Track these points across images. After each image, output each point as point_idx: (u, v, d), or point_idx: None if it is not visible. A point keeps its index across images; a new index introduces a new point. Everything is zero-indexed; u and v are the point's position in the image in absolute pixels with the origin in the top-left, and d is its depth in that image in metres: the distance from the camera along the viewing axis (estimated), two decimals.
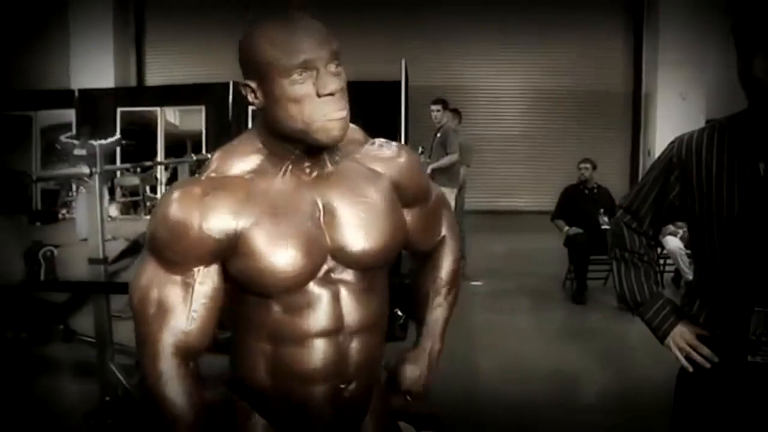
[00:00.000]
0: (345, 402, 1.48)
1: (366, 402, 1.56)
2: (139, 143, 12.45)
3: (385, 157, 1.53)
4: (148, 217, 11.84)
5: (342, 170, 1.45)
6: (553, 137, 12.93)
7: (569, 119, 13.01)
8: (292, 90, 1.31)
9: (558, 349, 5.21)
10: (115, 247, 4.86)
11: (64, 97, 12.42)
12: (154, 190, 12.87)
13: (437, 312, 1.71)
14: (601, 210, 6.69)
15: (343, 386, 1.46)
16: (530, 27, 12.75)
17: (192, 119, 12.98)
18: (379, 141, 1.56)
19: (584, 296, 6.60)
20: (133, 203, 12.79)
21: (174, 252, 1.34)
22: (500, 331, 5.62)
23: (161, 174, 12.70)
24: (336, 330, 1.42)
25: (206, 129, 12.75)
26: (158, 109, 12.81)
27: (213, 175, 1.38)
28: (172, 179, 11.88)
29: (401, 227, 1.52)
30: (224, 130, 12.42)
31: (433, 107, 7.62)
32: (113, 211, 11.63)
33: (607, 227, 6.73)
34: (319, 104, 1.32)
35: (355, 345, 1.45)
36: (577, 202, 6.97)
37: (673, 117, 11.77)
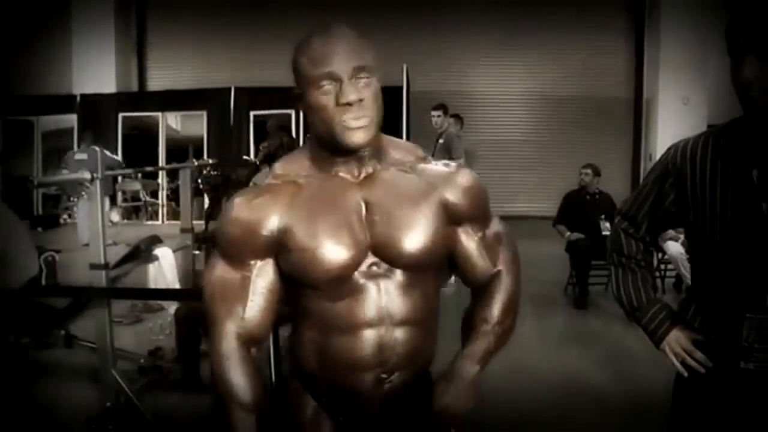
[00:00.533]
0: (389, 391, 1.58)
1: (412, 395, 1.63)
2: (140, 148, 12.48)
3: (443, 173, 1.61)
4: (149, 222, 11.81)
5: (390, 176, 1.56)
6: (555, 142, 12.94)
7: (571, 124, 13.02)
8: (318, 98, 1.45)
9: (560, 354, 5.20)
10: (117, 252, 4.88)
11: (65, 102, 12.45)
12: (155, 195, 12.89)
13: (481, 340, 1.65)
14: (603, 216, 6.68)
15: (385, 375, 1.55)
16: (531, 33, 12.78)
17: (193, 124, 12.99)
18: (444, 161, 1.68)
19: (586, 301, 6.58)
20: (135, 208, 12.81)
21: (233, 249, 1.52)
22: None
23: (162, 179, 12.72)
24: (378, 321, 1.52)
25: (208, 134, 12.77)
26: (160, 114, 12.84)
27: (271, 181, 1.56)
28: (173, 184, 11.91)
29: (441, 235, 1.57)
30: (226, 135, 12.45)
31: (434, 113, 7.62)
32: (115, 216, 11.67)
33: (608, 233, 6.74)
34: (338, 112, 1.44)
35: (398, 337, 1.54)
36: (579, 208, 6.95)
37: (674, 122, 11.77)
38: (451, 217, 1.59)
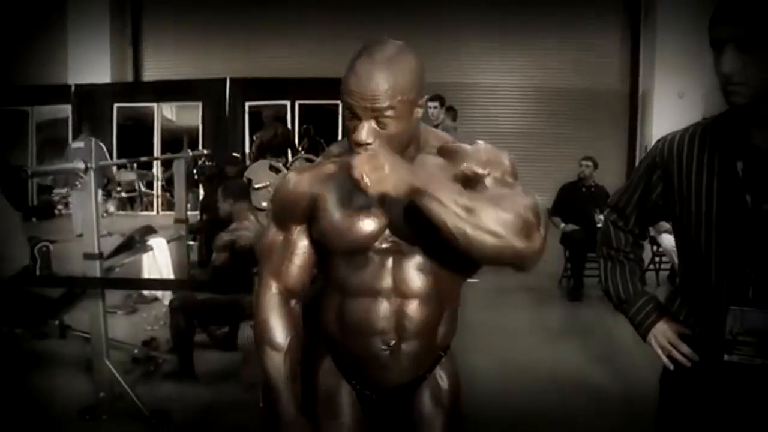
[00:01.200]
0: (399, 359, 1.70)
1: (421, 367, 1.76)
2: (135, 139, 12.44)
3: (463, 153, 1.65)
4: (144, 213, 11.76)
5: (420, 160, 1.64)
6: (550, 136, 12.93)
7: (566, 118, 13.01)
8: (347, 120, 1.56)
9: (554, 346, 5.21)
10: (111, 243, 4.86)
11: (60, 93, 12.39)
12: (150, 186, 12.86)
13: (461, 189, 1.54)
14: (597, 209, 6.69)
15: (393, 342, 1.67)
16: (528, 25, 12.75)
17: (189, 115, 12.96)
18: (472, 142, 1.71)
19: (580, 293, 6.61)
20: (130, 199, 12.78)
21: (281, 214, 1.74)
22: (496, 328, 5.62)
23: (157, 169, 12.70)
24: (390, 291, 1.66)
25: (203, 125, 12.73)
26: (155, 104, 12.78)
27: (321, 159, 1.78)
28: (168, 175, 11.88)
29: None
30: (221, 126, 12.42)
31: (430, 104, 7.60)
32: (110, 207, 11.64)
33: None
34: (353, 143, 1.55)
35: (408, 310, 1.66)
36: (575, 200, 6.96)
37: (670, 115, 11.75)
38: (470, 187, 1.57)
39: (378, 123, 1.52)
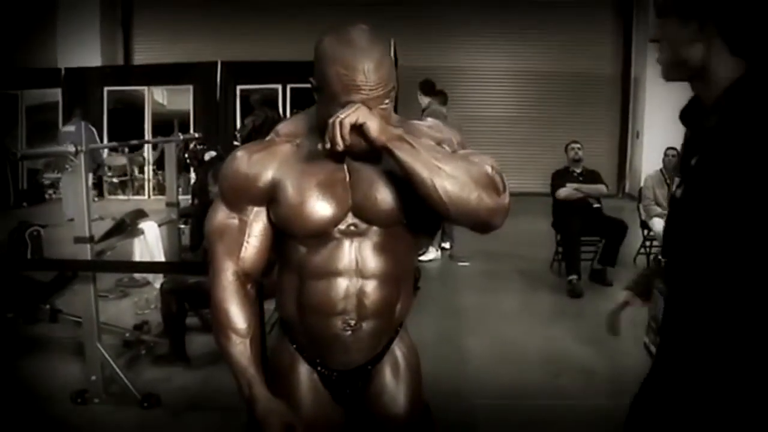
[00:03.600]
0: (357, 339, 1.73)
1: (380, 344, 1.81)
2: (126, 123, 12.38)
3: (415, 131, 1.68)
4: (136, 197, 11.73)
5: None
6: (541, 119, 12.94)
7: (557, 101, 13.01)
8: (333, 110, 1.54)
9: (545, 329, 5.23)
10: (103, 227, 4.84)
11: (50, 76, 12.30)
12: (141, 170, 12.82)
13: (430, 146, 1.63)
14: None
15: (352, 322, 1.70)
16: (519, 8, 12.73)
17: (179, 99, 12.90)
18: (414, 120, 1.79)
19: (578, 288, 6.50)
20: (121, 183, 12.74)
21: (233, 195, 1.69)
22: (488, 311, 5.63)
23: (149, 153, 12.65)
24: (349, 272, 1.68)
25: (194, 109, 12.68)
26: (145, 88, 12.72)
27: (271, 137, 1.73)
28: (159, 159, 11.85)
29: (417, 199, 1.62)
30: (212, 110, 12.37)
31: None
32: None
33: (598, 206, 6.72)
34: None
35: (369, 288, 1.69)
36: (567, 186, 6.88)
37: (662, 100, 11.78)
38: None
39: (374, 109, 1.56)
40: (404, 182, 1.60)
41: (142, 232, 5.18)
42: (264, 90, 10.55)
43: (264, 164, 1.66)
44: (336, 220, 1.65)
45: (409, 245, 1.77)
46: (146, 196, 12.38)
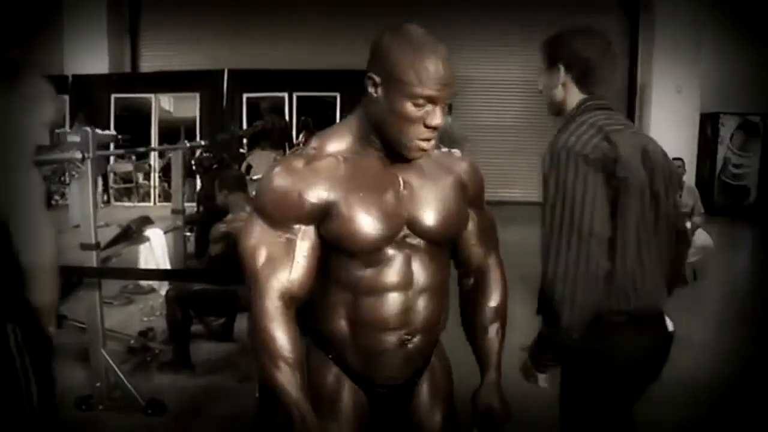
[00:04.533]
0: (409, 352, 1.72)
1: (427, 357, 1.82)
2: (132, 130, 12.41)
3: (455, 159, 1.82)
4: (142, 204, 11.70)
5: (420, 161, 1.70)
6: (546, 128, 12.85)
7: None
8: (408, 110, 1.56)
9: None
10: (109, 234, 4.86)
11: (57, 83, 12.29)
12: (147, 177, 12.84)
13: (494, 344, 1.87)
14: None
15: (408, 337, 1.70)
16: (523, 17, 12.72)
17: (186, 106, 12.93)
18: (444, 149, 1.85)
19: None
20: (127, 190, 12.76)
21: (279, 213, 1.62)
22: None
23: (155, 161, 12.67)
24: (406, 286, 1.68)
25: (200, 116, 12.71)
26: (152, 95, 12.76)
27: (312, 152, 1.65)
28: (165, 166, 11.86)
29: (465, 213, 1.78)
30: (218, 117, 12.39)
31: None
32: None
33: None
34: (418, 130, 1.59)
35: (421, 302, 1.70)
36: None
37: (668, 110, 11.78)
38: (466, 198, 1.78)
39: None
40: (452, 199, 1.72)
41: (148, 239, 5.20)
42: (272, 98, 10.58)
43: (314, 181, 1.61)
44: (394, 234, 1.65)
45: (448, 258, 1.83)
46: (152, 203, 12.40)
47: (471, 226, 1.84)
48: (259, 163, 6.80)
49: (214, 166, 6.91)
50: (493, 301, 1.89)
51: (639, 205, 1.87)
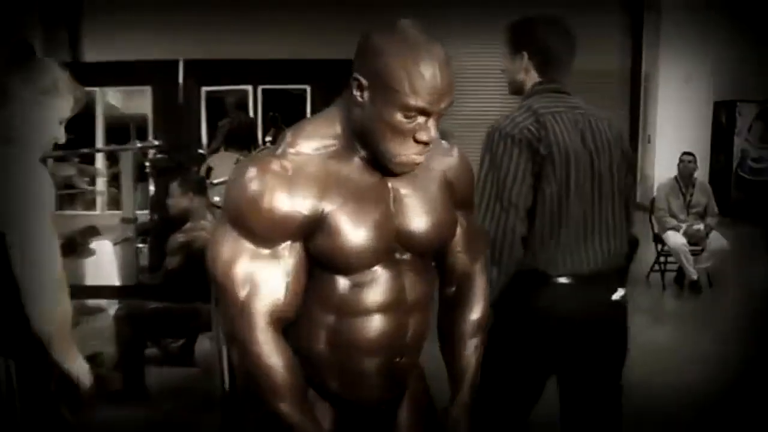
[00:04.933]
0: (394, 375, 1.73)
1: (411, 376, 1.83)
2: (74, 128, 12.29)
3: (439, 153, 1.78)
4: (87, 212, 11.52)
5: None
6: None
7: None
8: (398, 121, 1.53)
9: None
10: None
11: None
12: (93, 181, 12.73)
13: (471, 360, 1.88)
14: None
15: (397, 359, 1.71)
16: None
17: (136, 101, 12.86)
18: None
19: None
20: (69, 197, 12.64)
21: (264, 227, 1.55)
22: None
23: (101, 163, 12.58)
24: (395, 306, 1.67)
25: (153, 112, 12.64)
26: (97, 89, 12.66)
27: (291, 151, 1.60)
28: (114, 169, 11.78)
29: (454, 220, 1.79)
30: (173, 114, 12.30)
31: None
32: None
33: None
34: (408, 144, 1.56)
35: (411, 320, 1.70)
36: None
37: (676, 99, 11.84)
38: (453, 200, 1.78)
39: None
40: (441, 204, 1.72)
41: (94, 252, 5.15)
42: (236, 92, 10.58)
43: (304, 189, 1.56)
44: (387, 250, 1.64)
45: (434, 272, 1.84)
46: (98, 211, 12.31)
47: (458, 230, 1.83)
48: (221, 165, 6.79)
49: (171, 168, 6.87)
50: (476, 313, 1.90)
51: (564, 180, 2.29)
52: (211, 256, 1.60)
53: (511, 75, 2.56)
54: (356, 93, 1.55)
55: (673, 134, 11.24)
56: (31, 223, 1.94)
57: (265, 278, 1.56)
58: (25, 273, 1.93)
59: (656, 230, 7.25)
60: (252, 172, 1.56)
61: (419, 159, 1.60)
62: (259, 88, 12.42)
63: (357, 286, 1.63)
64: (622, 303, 2.47)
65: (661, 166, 11.53)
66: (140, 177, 7.87)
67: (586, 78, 13.26)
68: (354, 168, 1.63)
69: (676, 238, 6.89)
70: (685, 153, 7.24)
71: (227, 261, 1.57)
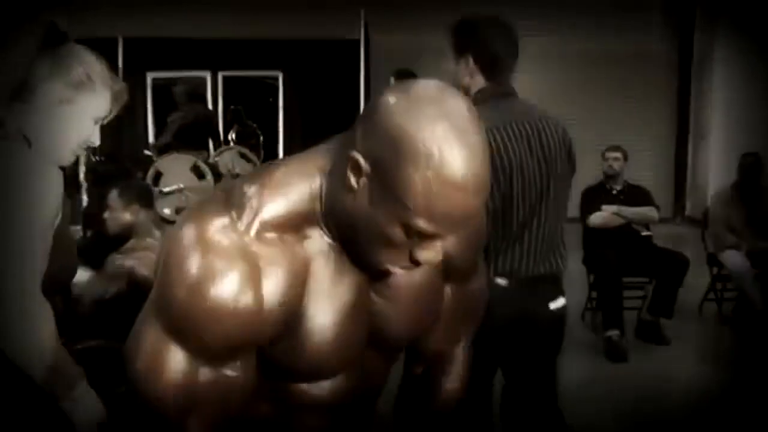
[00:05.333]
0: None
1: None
2: None
3: None
4: None
5: None
6: (567, 116, 12.91)
7: (589, 92, 13.02)
8: (397, 236, 1.36)
9: (576, 403, 5.23)
10: None
11: None
12: None
13: None
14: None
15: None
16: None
17: None
18: None
19: (622, 350, 6.19)
20: None
21: (214, 336, 1.38)
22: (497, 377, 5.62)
23: None
24: (352, 397, 1.67)
25: None
26: None
27: (257, 225, 1.41)
28: None
29: (439, 306, 1.75)
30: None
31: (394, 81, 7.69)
32: None
33: (648, 233, 6.72)
34: (402, 256, 1.41)
35: (360, 408, 1.75)
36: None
37: (735, 89, 11.80)
38: (447, 271, 1.71)
39: None
40: (427, 296, 1.66)
41: None
42: (190, 79, 10.56)
43: (280, 285, 1.41)
44: (357, 359, 1.60)
45: (392, 361, 1.81)
46: None
47: (445, 304, 1.78)
48: (172, 169, 6.79)
49: (111, 174, 6.87)
50: (444, 406, 1.95)
51: (505, 183, 2.81)
52: (137, 363, 1.45)
53: (456, 78, 2.96)
54: (351, 175, 1.35)
55: (732, 132, 11.21)
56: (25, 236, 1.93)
57: (213, 400, 1.45)
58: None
59: (711, 249, 7.18)
60: (207, 259, 1.36)
61: (399, 272, 1.48)
62: (219, 75, 12.43)
63: (305, 386, 1.60)
64: (560, 312, 3.08)
65: (717, 170, 11.57)
66: (70, 184, 7.87)
67: (623, 64, 13.20)
68: (330, 256, 1.50)
69: (736, 259, 6.83)
70: (747, 154, 7.19)
71: (167, 381, 1.42)
